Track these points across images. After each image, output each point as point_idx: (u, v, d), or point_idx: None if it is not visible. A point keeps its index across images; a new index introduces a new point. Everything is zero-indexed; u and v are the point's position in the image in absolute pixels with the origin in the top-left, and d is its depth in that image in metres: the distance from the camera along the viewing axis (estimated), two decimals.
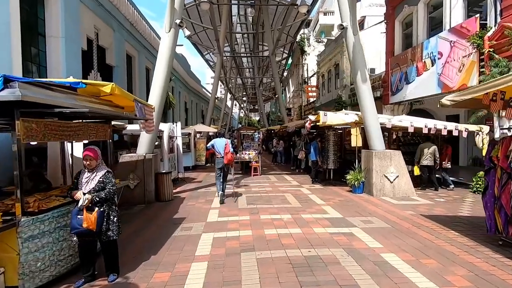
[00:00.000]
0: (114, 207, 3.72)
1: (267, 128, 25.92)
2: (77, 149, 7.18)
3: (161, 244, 4.87)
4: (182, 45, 23.90)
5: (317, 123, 9.50)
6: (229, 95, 39.91)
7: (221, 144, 7.79)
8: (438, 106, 5.24)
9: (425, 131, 8.90)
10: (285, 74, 41.07)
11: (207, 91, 35.83)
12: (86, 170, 3.62)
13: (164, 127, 10.01)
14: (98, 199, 3.46)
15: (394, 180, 8.29)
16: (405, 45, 14.33)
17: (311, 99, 27.09)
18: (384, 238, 4.99)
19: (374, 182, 8.26)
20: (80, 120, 5.06)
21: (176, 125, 11.31)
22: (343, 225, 5.72)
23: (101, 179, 3.58)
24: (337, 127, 11.02)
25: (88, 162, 3.54)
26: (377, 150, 8.44)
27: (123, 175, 7.77)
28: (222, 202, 7.60)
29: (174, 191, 9.45)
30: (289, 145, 15.54)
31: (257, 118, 62.98)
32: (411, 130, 8.90)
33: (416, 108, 14.35)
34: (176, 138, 11.22)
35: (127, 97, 5.13)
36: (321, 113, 8.90)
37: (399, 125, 9.07)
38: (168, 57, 8.26)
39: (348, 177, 8.82)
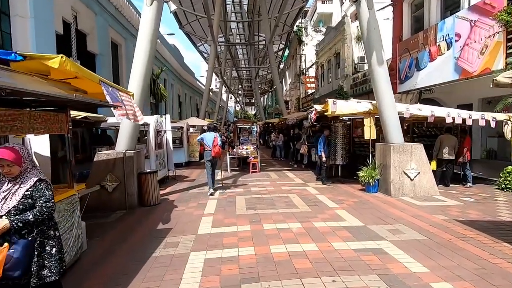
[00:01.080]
0: (52, 232, 2.46)
1: (264, 121, 24.69)
2: (40, 144, 5.92)
3: (135, 271, 3.65)
4: (173, 34, 22.43)
5: (325, 113, 8.28)
6: (224, 88, 38.48)
7: (210, 138, 7.88)
8: (492, 85, 4.06)
9: (448, 120, 7.75)
10: (281, 66, 39.69)
11: (201, 84, 34.33)
12: (6, 180, 2.37)
13: (150, 120, 8.72)
14: (21, 224, 2.21)
15: (415, 177, 7.13)
16: (414, 29, 13.11)
17: (310, 91, 25.84)
18: (426, 257, 3.82)
19: (392, 180, 7.10)
20: (29, 108, 3.77)
21: (165, 118, 10.02)
22: (368, 236, 4.55)
23: (28, 193, 2.32)
24: (345, 117, 9.82)
25: (5, 169, 2.29)
26: (395, 143, 7.27)
27: (99, 176, 6.51)
28: (212, 194, 7.77)
29: (163, 192, 8.22)
30: (289, 138, 14.31)
31: (253, 112, 61.65)
32: (431, 119, 7.74)
33: (426, 97, 13.19)
34: (165, 132, 9.94)
35: (90, 78, 3.85)
36: (330, 101, 7.67)
37: (418, 114, 7.89)
38: (151, 35, 6.94)
39: (361, 174, 7.65)
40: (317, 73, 24.15)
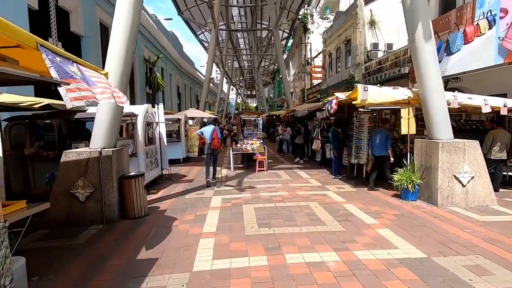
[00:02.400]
0: None
1: (268, 113, 23.05)
2: None
3: None
4: (171, 19, 20.64)
5: (352, 102, 6.72)
6: (225, 80, 36.71)
7: (209, 131, 8.02)
8: None
9: (503, 112, 6.20)
10: (284, 57, 37.82)
11: (201, 74, 32.55)
12: None
13: (138, 110, 7.15)
14: None
15: (468, 183, 5.61)
16: (442, 8, 11.41)
17: (316, 82, 24.13)
18: None
19: (440, 186, 5.57)
20: None
21: (158, 108, 8.43)
22: (442, 281, 3.04)
23: None
24: (367, 108, 8.23)
25: None
26: (443, 139, 5.71)
27: (67, 181, 4.98)
28: (208, 185, 7.78)
29: (153, 197, 6.72)
30: (296, 132, 12.72)
31: (255, 105, 59.87)
32: (486, 110, 6.18)
33: (452, 86, 11.56)
34: (158, 125, 8.37)
35: (14, 36, 2.29)
36: (359, 87, 6.08)
37: (468, 104, 6.32)
38: (132, 3, 5.31)
39: (396, 177, 6.12)
40: (324, 62, 22.42)
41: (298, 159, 11.71)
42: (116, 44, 5.26)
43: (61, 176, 5.00)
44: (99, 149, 5.07)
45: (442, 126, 5.74)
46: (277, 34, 16.71)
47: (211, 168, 8.08)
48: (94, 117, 5.43)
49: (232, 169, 10.01)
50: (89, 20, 11.70)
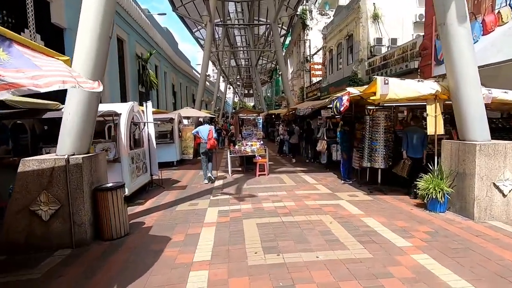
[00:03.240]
0: None
1: (267, 112, 22.07)
2: None
3: None
4: (165, 14, 19.59)
5: (370, 98, 5.79)
6: (222, 79, 35.66)
7: (205, 130, 8.04)
8: None
9: None
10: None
11: (198, 73, 31.51)
12: None
13: (122, 108, 6.16)
14: None
15: (509, 192, 4.70)
16: None
17: (316, 79, 23.20)
18: None
19: (477, 196, 4.66)
20: None
21: (146, 106, 7.44)
22: None
23: None
24: (380, 105, 7.31)
25: None
26: (479, 141, 4.79)
27: (27, 196, 3.99)
28: (209, 180, 8.02)
29: (139, 209, 5.76)
30: (303, 131, 11.84)
31: (252, 104, 58.84)
32: None
33: None
34: (146, 125, 7.38)
35: None
36: (379, 80, 5.14)
37: (504, 100, 5.41)
38: None
39: (422, 185, 5.20)
40: (324, 59, 21.49)
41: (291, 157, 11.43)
42: (88, 24, 4.26)
43: (19, 190, 4.00)
44: (66, 156, 4.08)
45: (478, 125, 4.83)
46: (276, 29, 15.77)
47: (210, 165, 8.17)
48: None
49: (229, 173, 9.04)
50: (73, 11, 10.64)
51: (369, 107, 8.12)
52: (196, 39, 30.34)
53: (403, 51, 12.93)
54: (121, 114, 6.04)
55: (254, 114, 10.47)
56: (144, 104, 7.54)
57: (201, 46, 31.22)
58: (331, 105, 7.69)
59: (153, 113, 12.19)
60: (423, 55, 11.56)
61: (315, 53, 24.58)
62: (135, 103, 6.54)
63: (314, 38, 25.13)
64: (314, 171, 9.41)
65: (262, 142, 9.47)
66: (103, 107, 5.77)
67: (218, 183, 8.06)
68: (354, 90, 6.36)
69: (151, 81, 16.21)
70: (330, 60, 21.12)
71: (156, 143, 11.18)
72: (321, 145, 9.30)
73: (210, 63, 35.93)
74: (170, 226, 4.83)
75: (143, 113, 7.46)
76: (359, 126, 8.99)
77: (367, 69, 15.93)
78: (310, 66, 22.66)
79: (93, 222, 4.31)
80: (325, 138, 9.31)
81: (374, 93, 5.30)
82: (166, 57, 22.49)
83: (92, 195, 4.32)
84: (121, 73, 15.32)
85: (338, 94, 7.50)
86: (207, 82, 41.12)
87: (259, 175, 8.69)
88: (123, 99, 14.79)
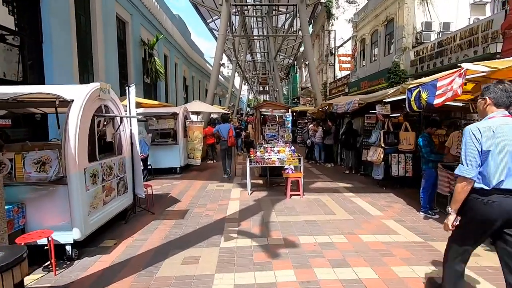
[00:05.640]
0: None
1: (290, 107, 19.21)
2: None
3: None
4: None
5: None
6: (236, 74, 33.02)
7: (225, 129, 8.12)
8: None
9: None
10: (301, 50, 33.84)
11: (212, 66, 28.98)
12: None
13: (73, 92, 3.56)
14: None
15: None
16: None
17: (343, 73, 20.18)
18: None
19: None
20: None
21: (128, 93, 4.85)
22: None
23: None
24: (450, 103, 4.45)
25: None
26: None
27: None
28: (227, 176, 8.03)
29: (100, 261, 3.17)
30: (343, 134, 9.23)
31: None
32: None
33: None
34: (129, 121, 4.80)
35: None
36: None
37: None
38: None
39: None
40: (354, 50, 18.48)
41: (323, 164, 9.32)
42: None
43: None
44: None
45: None
46: (303, 10, 12.97)
47: (229, 162, 8.20)
48: None
49: (248, 189, 6.38)
50: None
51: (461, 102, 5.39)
52: (211, 30, 27.78)
53: (470, 33, 9.90)
54: (72, 101, 3.44)
55: (282, 110, 7.74)
56: (127, 90, 4.95)
57: (216, 38, 28.66)
58: (407, 97, 4.91)
59: (153, 106, 9.69)
60: (507, 36, 8.51)
61: (342, 45, 21.54)
62: (96, 85, 3.92)
63: (340, 29, 22.10)
64: (364, 189, 6.62)
65: (293, 147, 6.74)
66: (37, 89, 3.21)
67: (233, 207, 5.41)
68: (479, 67, 3.54)
69: (156, 71, 13.71)
70: (362, 52, 18.10)
71: (156, 144, 8.73)
72: (377, 155, 6.50)
73: (225, 56, 33.34)
74: None
75: (127, 105, 4.88)
76: (441, 131, 6.20)
77: (412, 59, 12.91)
78: (338, 58, 19.66)
79: None
80: (382, 145, 6.51)
81: None
82: (177, 47, 20.00)
83: None
84: (122, 61, 12.88)
85: (425, 79, 4.70)
86: (220, 77, 38.59)
87: (291, 195, 5.98)
88: (124, 90, 12.35)
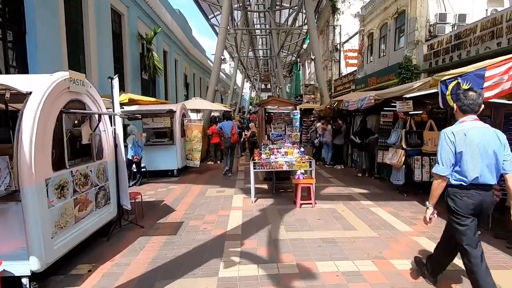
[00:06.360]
0: None
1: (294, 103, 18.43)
2: None
3: None
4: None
5: None
6: (238, 71, 32.17)
7: (228, 127, 8.22)
8: None
9: None
10: (304, 46, 32.91)
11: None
12: None
13: (31, 83, 2.79)
14: None
15: None
16: None
17: (350, 69, 19.31)
18: None
19: None
20: None
21: (112, 85, 4.07)
22: None
23: None
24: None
25: None
26: None
27: None
28: (230, 174, 8.06)
29: None
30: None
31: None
32: None
33: None
34: (113, 120, 4.03)
35: None
36: None
37: None
38: None
39: None
40: (362, 45, 17.59)
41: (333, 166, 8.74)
42: None
43: None
44: None
45: None
46: (309, 3, 12.13)
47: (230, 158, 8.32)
48: None
49: (252, 197, 5.60)
50: None
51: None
52: (212, 26, 26.96)
53: (492, 24, 9.03)
54: (30, 93, 2.67)
55: (290, 107, 6.95)
56: (110, 82, 4.16)
57: (217, 34, 27.82)
58: (430, 91, 4.11)
59: (149, 103, 8.93)
60: None
61: (347, 40, 20.62)
62: (74, 75, 3.15)
63: (346, 24, 21.20)
64: (383, 196, 5.83)
65: (303, 149, 5.95)
66: None
67: (235, 219, 4.64)
68: None
69: (155, 66, 12.93)
70: (369, 47, 17.22)
71: (151, 145, 7.97)
72: (397, 157, 5.70)
73: (227, 54, 32.50)
74: None
75: (113, 98, 4.10)
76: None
77: (426, 53, 12.04)
78: (344, 54, 18.76)
79: None
80: (404, 146, 5.70)
81: None
82: (177, 42, 19.20)
83: None
84: (118, 55, 12.12)
85: (464, 69, 3.89)
86: (222, 74, 37.74)
87: (302, 204, 5.20)
88: (119, 86, 11.59)
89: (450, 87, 4.05)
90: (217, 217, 4.75)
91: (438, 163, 2.36)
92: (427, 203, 2.48)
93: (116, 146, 4.12)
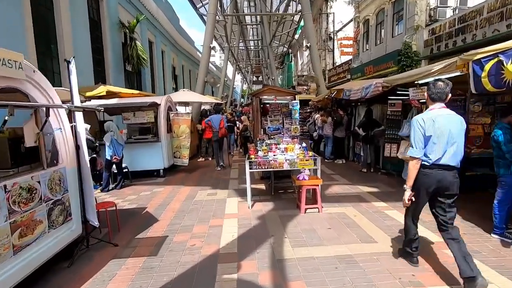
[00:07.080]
0: None
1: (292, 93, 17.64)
2: None
3: None
4: None
5: None
6: (229, 63, 31.03)
7: (217, 120, 8.05)
8: None
9: None
10: (296, 37, 31.90)
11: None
12: None
13: None
14: None
15: None
16: None
17: (341, 60, 18.53)
18: None
19: None
20: None
21: (69, 70, 3.18)
22: None
23: None
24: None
25: None
26: None
27: None
28: (221, 167, 7.86)
29: None
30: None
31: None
32: None
33: None
34: (72, 115, 3.15)
35: None
36: None
37: None
38: None
39: None
40: (357, 33, 16.79)
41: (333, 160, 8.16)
42: None
43: None
44: None
45: None
46: None
47: (221, 153, 8.12)
48: None
49: (249, 202, 4.81)
50: None
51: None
52: (201, 16, 25.66)
53: (501, 5, 8.34)
54: None
55: (288, 97, 6.14)
56: (67, 66, 3.26)
57: (205, 23, 26.57)
58: (454, 74, 3.38)
59: (132, 96, 8.00)
60: None
61: (341, 29, 19.82)
62: (6, 55, 2.28)
63: (339, 12, 20.35)
64: (395, 196, 5.11)
65: (304, 144, 5.18)
66: None
67: (229, 231, 3.86)
68: None
69: (138, 57, 11.88)
70: (365, 34, 16.43)
71: (133, 142, 7.08)
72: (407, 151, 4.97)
73: (216, 44, 31.25)
74: None
75: (71, 86, 3.20)
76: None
77: (427, 39, 11.33)
78: (338, 42, 17.94)
79: None
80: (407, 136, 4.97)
81: None
82: (163, 32, 18.05)
83: None
84: (97, 45, 11.04)
85: (508, 44, 3.15)
86: (212, 66, 36.48)
87: (307, 208, 4.44)
88: (99, 78, 10.57)
89: (487, 67, 3.34)
90: (208, 229, 3.96)
91: (412, 147, 2.58)
92: (404, 186, 2.64)
93: (78, 148, 3.26)
